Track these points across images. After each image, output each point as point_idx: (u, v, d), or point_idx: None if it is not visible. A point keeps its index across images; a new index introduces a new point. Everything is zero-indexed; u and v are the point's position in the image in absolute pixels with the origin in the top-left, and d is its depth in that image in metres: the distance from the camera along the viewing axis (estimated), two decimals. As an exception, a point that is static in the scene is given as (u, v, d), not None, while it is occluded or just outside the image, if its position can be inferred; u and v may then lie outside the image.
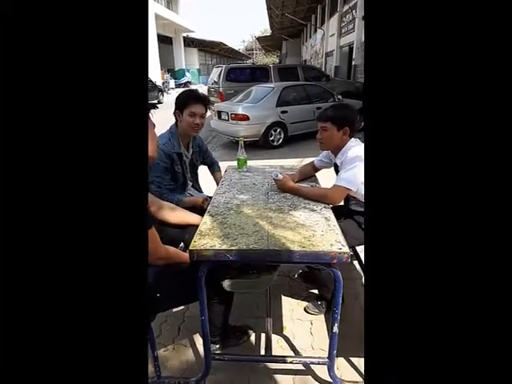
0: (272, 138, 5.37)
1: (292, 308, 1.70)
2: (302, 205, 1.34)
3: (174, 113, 1.67)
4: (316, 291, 1.80)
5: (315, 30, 20.01)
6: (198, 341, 1.46)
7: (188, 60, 28.20)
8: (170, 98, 12.55)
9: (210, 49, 32.71)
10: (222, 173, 1.92)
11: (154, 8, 20.19)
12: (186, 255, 1.08)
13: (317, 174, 1.79)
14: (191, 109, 1.63)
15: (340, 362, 1.33)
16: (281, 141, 5.46)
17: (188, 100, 1.63)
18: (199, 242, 1.04)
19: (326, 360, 1.20)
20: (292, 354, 1.41)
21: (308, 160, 1.86)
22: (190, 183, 1.82)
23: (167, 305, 1.15)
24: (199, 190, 1.89)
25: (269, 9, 17.27)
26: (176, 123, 1.70)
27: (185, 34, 27.03)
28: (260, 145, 5.25)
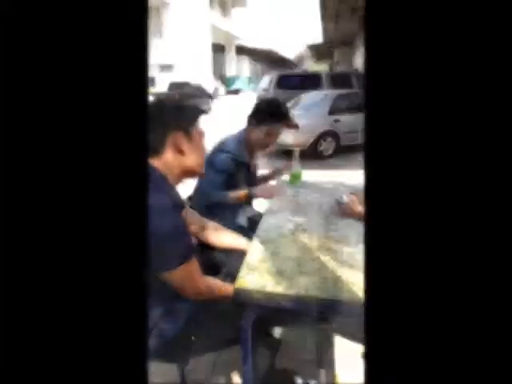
0: (322, 147, 5.09)
1: (346, 352, 1.43)
2: (372, 236, 1.09)
3: (249, 118, 1.45)
4: (375, 333, 1.52)
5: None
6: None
7: (239, 67, 28.85)
8: (218, 105, 12.75)
9: (261, 56, 33.14)
10: None
11: (209, 17, 21.11)
12: (230, 288, 0.89)
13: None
14: (274, 129, 1.39)
15: None
16: (331, 151, 5.16)
17: (274, 117, 1.38)
18: (247, 279, 0.84)
19: None
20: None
21: (361, 173, 1.59)
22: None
23: (203, 349, 0.96)
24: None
25: (323, 17, 17.01)
26: (246, 128, 1.46)
27: (237, 42, 27.75)
28: (307, 154, 4.99)
